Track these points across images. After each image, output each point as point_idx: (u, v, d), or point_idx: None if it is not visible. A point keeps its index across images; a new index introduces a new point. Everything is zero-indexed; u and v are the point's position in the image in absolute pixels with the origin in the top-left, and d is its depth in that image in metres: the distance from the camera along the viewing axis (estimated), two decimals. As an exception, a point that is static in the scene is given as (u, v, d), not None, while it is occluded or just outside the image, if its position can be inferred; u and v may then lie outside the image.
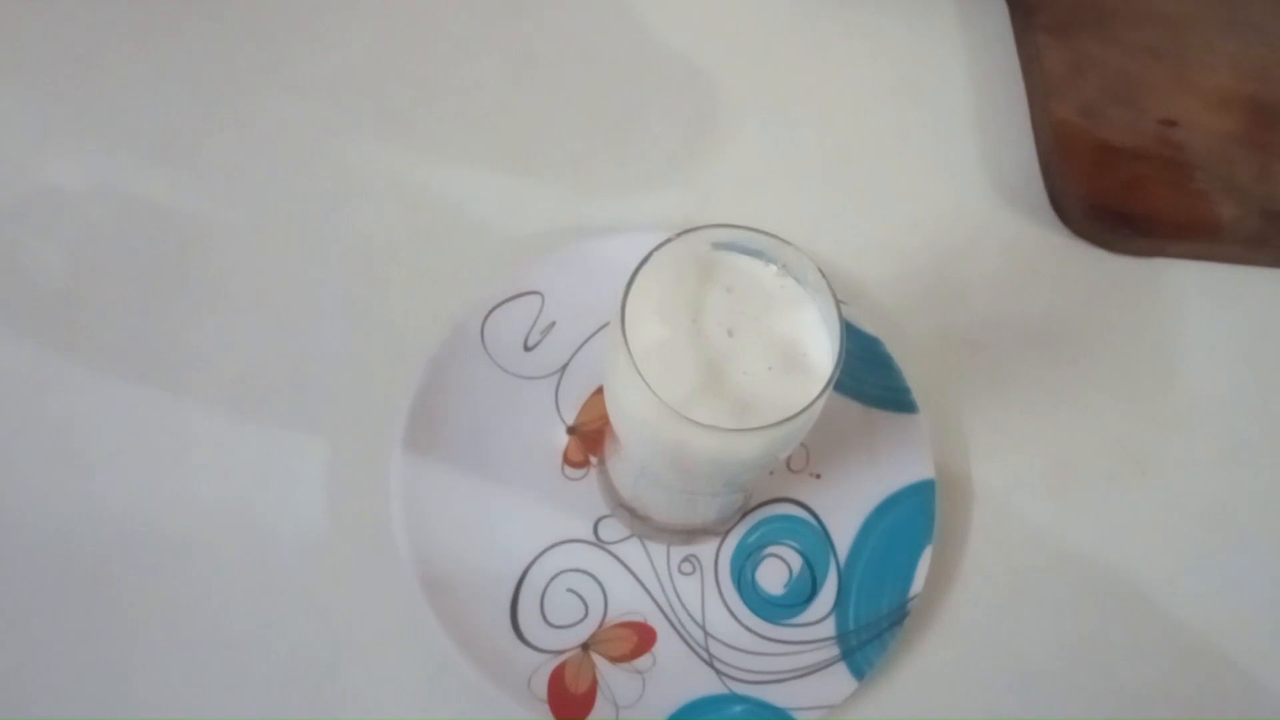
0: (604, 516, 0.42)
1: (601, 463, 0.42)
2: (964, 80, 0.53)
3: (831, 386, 0.31)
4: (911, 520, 0.42)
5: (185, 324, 0.44)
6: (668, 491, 0.37)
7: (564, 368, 0.44)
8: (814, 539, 0.42)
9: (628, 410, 0.32)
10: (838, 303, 0.32)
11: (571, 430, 0.43)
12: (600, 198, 0.48)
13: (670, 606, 0.41)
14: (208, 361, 0.44)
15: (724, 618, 0.41)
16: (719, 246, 0.34)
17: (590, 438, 0.43)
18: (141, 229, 0.46)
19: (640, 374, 0.30)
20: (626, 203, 0.48)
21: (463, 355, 0.43)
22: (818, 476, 0.43)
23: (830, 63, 0.53)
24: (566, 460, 0.43)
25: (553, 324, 0.44)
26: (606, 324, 0.44)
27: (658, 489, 0.38)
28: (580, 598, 0.41)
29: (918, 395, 0.44)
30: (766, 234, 0.33)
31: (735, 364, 0.32)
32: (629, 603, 0.41)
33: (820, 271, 0.32)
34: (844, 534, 0.42)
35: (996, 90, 0.53)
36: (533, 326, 0.44)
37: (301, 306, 0.45)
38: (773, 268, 0.34)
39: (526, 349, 0.44)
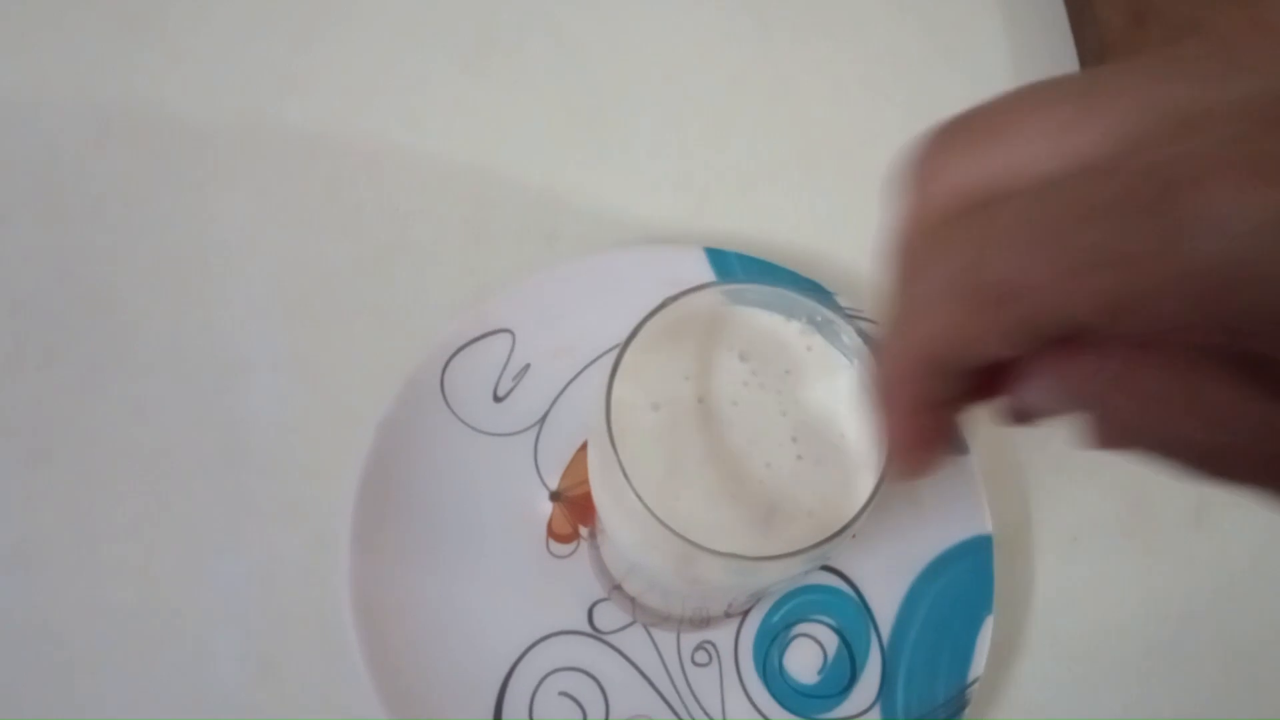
0: (599, 600, 0.35)
1: (592, 535, 0.35)
2: (1003, 40, 0.45)
3: (883, 484, 0.24)
4: (966, 585, 0.36)
5: (88, 394, 0.37)
6: (669, 596, 0.31)
7: (543, 419, 0.37)
8: (851, 613, 0.36)
9: (621, 527, 0.25)
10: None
11: (555, 497, 0.36)
12: (578, 205, 0.41)
13: (684, 705, 0.34)
14: (117, 438, 0.36)
15: (748, 715, 0.34)
16: (729, 299, 0.26)
17: (577, 505, 0.36)
18: (25, 280, 0.38)
19: (634, 490, 0.23)
20: (610, 210, 0.41)
21: (420, 413, 0.36)
22: (853, 537, 0.36)
23: (847, 26, 0.45)
24: (551, 534, 0.36)
25: (526, 367, 0.37)
26: (591, 364, 0.37)
27: (657, 591, 0.31)
28: (576, 701, 0.34)
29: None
30: (784, 288, 0.25)
31: (755, 457, 0.25)
32: (634, 703, 0.34)
33: (858, 332, 0.25)
34: (887, 605, 0.36)
35: (1039, 49, 0.45)
36: (503, 372, 0.37)
37: (223, 363, 0.37)
38: (795, 324, 0.26)
39: (497, 400, 0.37)
